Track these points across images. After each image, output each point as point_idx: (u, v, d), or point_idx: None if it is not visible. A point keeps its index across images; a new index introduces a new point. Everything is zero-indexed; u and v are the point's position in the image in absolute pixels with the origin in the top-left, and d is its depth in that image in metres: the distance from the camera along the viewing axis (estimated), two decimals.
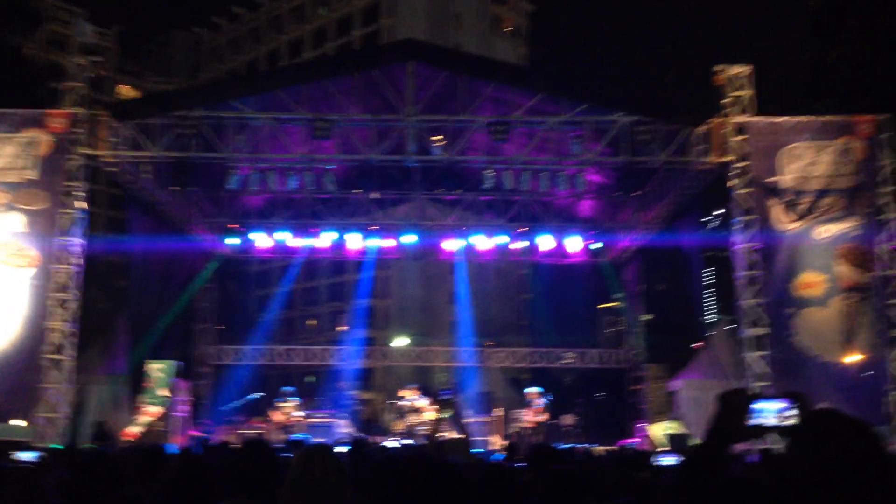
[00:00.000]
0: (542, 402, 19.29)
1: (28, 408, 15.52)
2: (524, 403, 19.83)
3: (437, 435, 6.91)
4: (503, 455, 11.15)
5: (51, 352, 15.97)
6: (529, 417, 19.05)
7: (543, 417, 19.06)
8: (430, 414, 18.93)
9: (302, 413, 19.48)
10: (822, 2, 23.92)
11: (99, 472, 4.64)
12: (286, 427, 18.83)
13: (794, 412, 2.42)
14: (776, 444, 2.70)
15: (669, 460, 5.24)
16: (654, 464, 5.24)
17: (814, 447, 2.14)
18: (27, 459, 5.39)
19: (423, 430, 18.87)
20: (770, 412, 2.43)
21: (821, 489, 2.06)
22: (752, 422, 2.43)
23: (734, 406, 2.44)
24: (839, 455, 2.08)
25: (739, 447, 2.73)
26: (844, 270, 15.64)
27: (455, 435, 8.06)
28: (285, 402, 19.34)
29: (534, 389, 19.78)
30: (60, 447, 9.66)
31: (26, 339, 15.87)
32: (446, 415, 7.85)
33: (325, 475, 2.90)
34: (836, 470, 2.07)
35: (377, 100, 17.53)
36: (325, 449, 3.05)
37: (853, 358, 15.30)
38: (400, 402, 19.76)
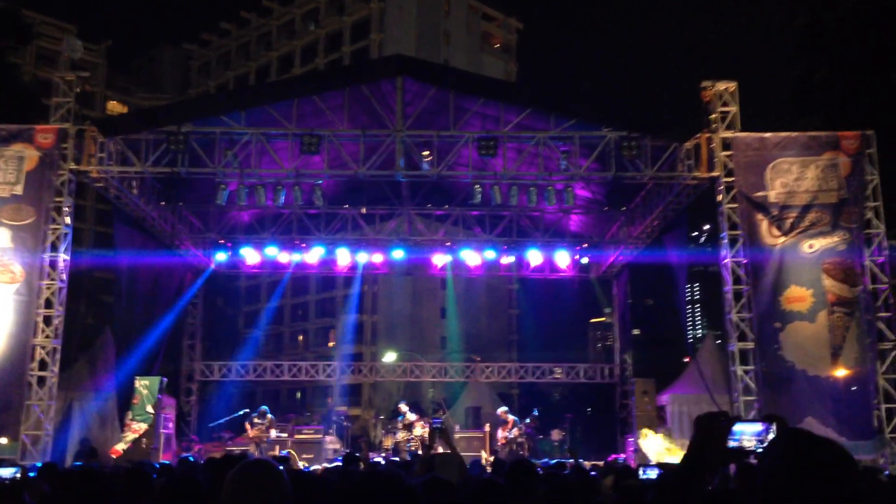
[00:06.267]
0: (511, 418, 19.83)
1: (13, 425, 15.35)
2: (498, 423, 20.11)
3: (429, 451, 6.85)
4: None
5: (35, 368, 15.82)
6: (502, 434, 19.64)
7: (513, 434, 19.44)
8: (419, 430, 18.95)
9: (275, 432, 19.43)
10: (808, 21, 24.21)
11: (85, 489, 4.59)
12: (259, 443, 18.78)
13: (772, 435, 2.41)
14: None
15: (653, 473, 5.25)
16: (642, 476, 5.26)
17: (781, 466, 2.13)
18: (4, 476, 5.34)
19: (411, 446, 18.84)
20: (748, 435, 2.43)
21: None
22: (732, 445, 2.43)
23: (713, 430, 2.44)
24: (807, 474, 2.07)
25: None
26: (830, 285, 15.72)
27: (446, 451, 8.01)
28: (262, 419, 19.32)
29: (502, 409, 20.57)
30: (40, 464, 9.55)
31: (11, 356, 15.71)
32: (437, 435, 7.80)
33: (262, 492, 2.75)
34: (805, 489, 2.05)
35: (366, 115, 17.56)
36: (265, 464, 2.87)
37: (840, 372, 15.35)
38: (398, 419, 19.94)
